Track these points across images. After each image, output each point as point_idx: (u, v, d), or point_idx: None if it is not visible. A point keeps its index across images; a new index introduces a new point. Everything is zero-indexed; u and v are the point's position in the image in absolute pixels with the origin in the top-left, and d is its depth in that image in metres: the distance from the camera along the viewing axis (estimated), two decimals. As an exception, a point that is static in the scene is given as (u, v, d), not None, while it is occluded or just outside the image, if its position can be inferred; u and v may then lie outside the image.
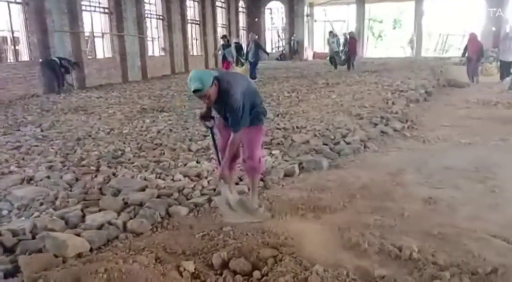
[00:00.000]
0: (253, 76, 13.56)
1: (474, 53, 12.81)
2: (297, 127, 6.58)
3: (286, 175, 4.45)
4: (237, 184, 3.98)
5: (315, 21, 33.67)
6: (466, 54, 13.17)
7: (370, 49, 34.98)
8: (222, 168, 3.32)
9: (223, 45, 14.90)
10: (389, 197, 3.78)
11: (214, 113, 3.40)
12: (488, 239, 2.90)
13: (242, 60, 17.06)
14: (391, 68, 17.64)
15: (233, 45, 15.16)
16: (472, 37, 13.33)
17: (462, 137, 6.04)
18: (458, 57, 17.58)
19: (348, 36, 18.17)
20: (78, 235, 3.01)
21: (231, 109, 3.10)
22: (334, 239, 2.94)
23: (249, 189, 3.67)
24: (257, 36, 16.18)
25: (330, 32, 19.70)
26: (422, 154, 5.26)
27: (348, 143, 5.61)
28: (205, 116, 3.41)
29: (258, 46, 14.29)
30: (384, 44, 38.53)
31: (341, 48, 18.15)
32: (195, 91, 2.97)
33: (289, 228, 3.14)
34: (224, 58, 14.68)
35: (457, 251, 2.69)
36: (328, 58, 18.79)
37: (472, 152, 5.30)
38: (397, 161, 4.96)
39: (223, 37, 15.82)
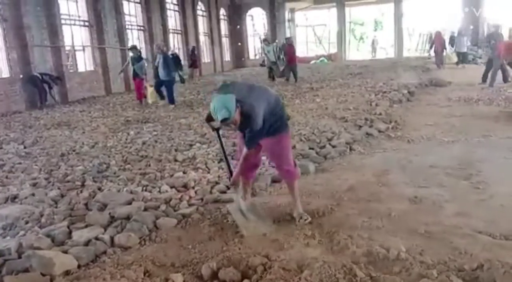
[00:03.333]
0: (170, 100, 10.77)
1: (440, 47, 17.39)
2: (283, 132, 6.59)
3: (273, 181, 4.45)
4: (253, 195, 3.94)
5: (297, 26, 33.96)
6: (433, 48, 17.66)
7: (353, 52, 35.38)
8: (235, 174, 3.35)
9: (132, 58, 11.59)
10: (376, 198, 3.80)
11: None
12: (474, 235, 2.93)
13: (181, 76, 15.41)
14: (374, 70, 17.82)
15: (158, 59, 11.12)
16: (438, 34, 17.83)
17: (445, 135, 6.13)
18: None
19: (285, 43, 16.10)
20: (65, 252, 2.96)
21: (251, 130, 3.10)
22: (323, 243, 2.95)
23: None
24: (165, 47, 13.08)
25: (264, 40, 17.23)
26: (407, 153, 5.32)
27: (334, 146, 5.64)
28: (211, 118, 3.33)
29: (168, 60, 10.85)
30: (366, 46, 38.95)
31: (281, 56, 15.96)
32: (223, 120, 2.92)
33: (278, 234, 3.15)
34: (136, 75, 11.57)
35: (444, 248, 2.72)
36: (267, 68, 16.41)
37: (456, 150, 5.37)
38: (382, 162, 5.01)
39: (132, 48, 12.00)
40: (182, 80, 16.87)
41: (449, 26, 30.07)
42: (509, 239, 2.91)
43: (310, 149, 5.58)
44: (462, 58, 17.77)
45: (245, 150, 3.25)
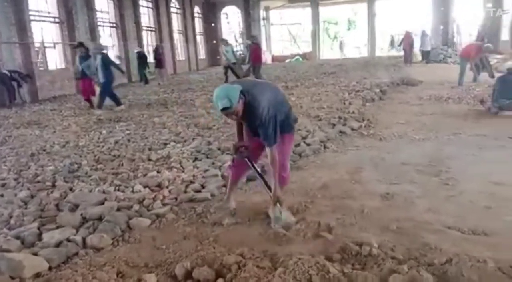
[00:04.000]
0: (99, 104, 10.19)
1: (408, 45, 18.84)
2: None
3: (248, 180, 4.43)
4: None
5: (272, 24, 34.03)
6: (402, 46, 19.19)
7: (327, 51, 35.73)
8: (276, 190, 3.21)
9: (80, 57, 10.48)
10: (349, 195, 3.86)
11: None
12: (443, 231, 3.02)
13: (146, 76, 15.46)
14: (347, 69, 18.05)
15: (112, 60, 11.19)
16: (407, 34, 19.13)
17: (416, 133, 6.27)
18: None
19: (251, 42, 15.29)
20: (35, 254, 2.89)
21: (261, 123, 3.01)
22: (297, 240, 2.97)
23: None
24: (105, 48, 11.87)
25: (222, 40, 16.96)
26: (379, 151, 5.41)
27: (308, 144, 5.68)
28: (240, 147, 3.31)
29: (107, 61, 10.22)
30: (343, 44, 39.35)
31: (239, 57, 15.95)
32: (223, 109, 2.88)
33: (253, 232, 3.16)
34: (84, 74, 10.36)
35: (414, 244, 2.78)
36: (223, 69, 15.78)
37: (426, 147, 5.50)
38: (355, 159, 5.08)
39: (79, 45, 10.85)
40: (146, 81, 16.37)
41: (420, 26, 30.84)
42: (477, 233, 3.00)
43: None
44: (426, 56, 19.43)
45: (268, 150, 3.09)
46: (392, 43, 29.98)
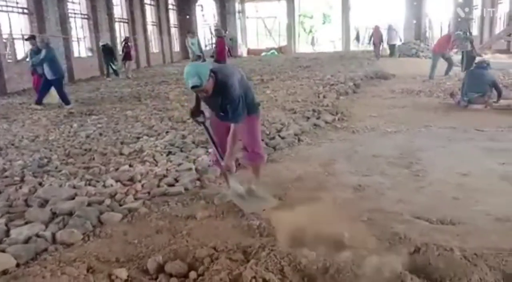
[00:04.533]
0: (64, 100, 9.53)
1: (377, 39, 19.39)
2: (232, 124, 6.60)
3: (222, 173, 4.44)
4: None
5: (247, 17, 33.87)
6: (372, 40, 19.61)
7: (302, 45, 35.87)
8: (227, 160, 3.40)
9: (31, 50, 9.85)
10: (322, 187, 3.90)
11: (204, 107, 3.41)
12: (412, 221, 3.09)
13: (114, 68, 15.16)
14: (322, 62, 18.18)
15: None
16: (376, 29, 19.80)
17: (388, 126, 6.38)
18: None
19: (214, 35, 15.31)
20: (2, 251, 2.81)
21: (231, 101, 3.11)
22: (270, 231, 2.99)
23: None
24: (48, 39, 10.45)
25: (188, 32, 16.54)
26: (352, 143, 5.49)
27: (283, 137, 5.71)
28: (195, 112, 3.41)
29: (53, 55, 9.36)
30: (315, 39, 39.58)
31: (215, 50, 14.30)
32: (193, 87, 2.97)
33: (227, 225, 3.16)
34: (35, 69, 9.73)
35: (385, 234, 2.83)
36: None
37: (398, 140, 5.61)
38: (329, 152, 5.14)
39: (30, 38, 10.41)
40: (116, 73, 15.86)
41: (389, 21, 31.30)
42: (445, 223, 3.09)
43: (259, 140, 5.61)
44: (393, 50, 20.21)
45: (232, 126, 3.28)
46: (357, 38, 30.46)
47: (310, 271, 2.27)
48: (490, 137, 5.54)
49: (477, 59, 11.26)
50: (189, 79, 2.94)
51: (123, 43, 17.44)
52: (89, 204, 3.61)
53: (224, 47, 13.89)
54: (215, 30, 15.51)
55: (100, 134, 6.45)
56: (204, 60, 14.49)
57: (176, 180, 4.13)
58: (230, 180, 3.51)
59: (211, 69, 3.02)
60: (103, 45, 16.54)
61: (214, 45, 14.75)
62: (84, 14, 18.46)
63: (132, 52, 17.22)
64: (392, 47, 20.20)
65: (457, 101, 7.92)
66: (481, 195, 3.58)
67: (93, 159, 5.14)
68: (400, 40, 21.75)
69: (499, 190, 3.72)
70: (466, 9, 18.10)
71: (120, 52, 17.48)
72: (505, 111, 7.25)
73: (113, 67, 15.59)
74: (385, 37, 20.19)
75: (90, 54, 18.69)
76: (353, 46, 31.06)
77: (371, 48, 20.65)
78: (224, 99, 3.15)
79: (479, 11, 24.72)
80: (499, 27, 21.32)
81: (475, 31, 25.12)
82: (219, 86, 3.08)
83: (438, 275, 2.21)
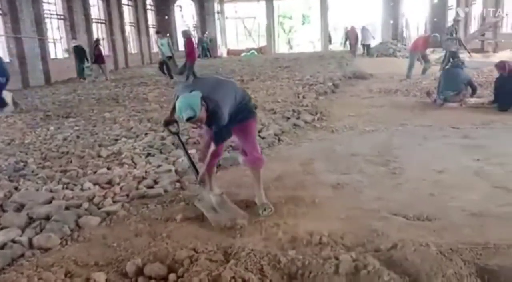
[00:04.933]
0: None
1: (353, 39, 20.81)
2: (212, 125, 6.58)
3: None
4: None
5: (227, 18, 33.86)
6: (348, 41, 21.16)
7: (282, 45, 36.04)
8: (202, 173, 3.38)
9: None
10: (301, 186, 3.93)
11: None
12: (390, 217, 3.14)
13: (88, 71, 14.68)
14: (302, 63, 18.28)
15: None
16: (352, 29, 21.23)
17: (367, 125, 6.46)
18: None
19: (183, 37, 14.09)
20: (-23, 258, 2.75)
21: (216, 125, 3.10)
22: (251, 232, 3.01)
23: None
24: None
25: (157, 32, 15.94)
26: (331, 143, 5.54)
27: (263, 138, 5.72)
28: (169, 122, 3.40)
29: None
30: (295, 40, 39.83)
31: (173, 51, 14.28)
32: (188, 119, 2.92)
33: (207, 227, 3.15)
34: None
35: (362, 231, 2.88)
36: (158, 64, 14.66)
37: (376, 138, 5.69)
38: (308, 152, 5.18)
39: None
40: (88, 75, 15.24)
41: (364, 21, 31.77)
42: (421, 219, 3.15)
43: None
44: (366, 49, 20.88)
45: (212, 146, 3.26)
46: (329, 39, 30.96)
47: (289, 269, 2.29)
48: (465, 135, 5.66)
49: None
50: (183, 113, 2.89)
51: (94, 45, 16.79)
52: (66, 208, 3.55)
53: (193, 48, 13.53)
54: (183, 31, 14.69)
55: (78, 137, 6.35)
56: (174, 62, 14.17)
57: (156, 182, 4.11)
58: (203, 191, 3.49)
59: (202, 97, 2.96)
60: (75, 47, 16.18)
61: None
62: (60, 15, 18.15)
63: (104, 55, 16.73)
64: (367, 47, 20.86)
65: (433, 99, 8.08)
66: (456, 191, 3.65)
67: (71, 162, 5.06)
68: (373, 38, 22.42)
69: (474, 186, 3.80)
70: (466, 9, 18.35)
71: (92, 55, 16.68)
72: (479, 109, 7.42)
73: (84, 69, 15.09)
74: (360, 37, 20.88)
75: (66, 55, 18.39)
76: (334, 47, 31.38)
77: (347, 48, 21.53)
78: (212, 122, 3.12)
79: (454, 12, 25.30)
80: (473, 27, 21.84)
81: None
82: (212, 114, 3.03)
83: (414, 270, 2.25)
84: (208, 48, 28.08)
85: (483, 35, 19.33)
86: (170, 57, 14.01)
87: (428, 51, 13.22)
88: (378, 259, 2.34)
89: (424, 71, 12.25)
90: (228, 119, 3.10)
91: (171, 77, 13.62)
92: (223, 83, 3.38)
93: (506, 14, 19.57)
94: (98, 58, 16.13)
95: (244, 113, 3.34)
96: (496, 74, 8.06)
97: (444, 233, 2.87)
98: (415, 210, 3.27)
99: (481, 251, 2.56)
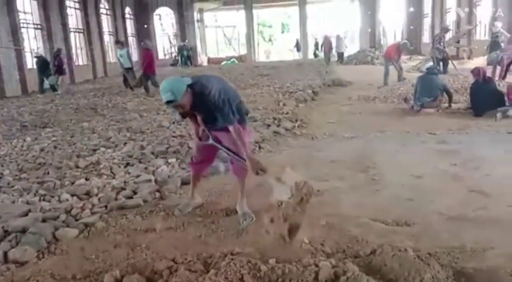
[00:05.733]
0: None
1: (327, 47, 21.49)
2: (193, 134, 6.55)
3: (183, 183, 4.39)
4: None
5: (206, 26, 33.93)
6: (323, 48, 21.83)
7: (262, 54, 36.26)
8: (251, 159, 3.19)
9: None
10: (282, 194, 3.93)
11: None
12: (369, 223, 3.17)
13: (48, 82, 13.74)
14: (282, 71, 18.40)
15: None
16: (326, 38, 22.10)
17: (346, 132, 6.53)
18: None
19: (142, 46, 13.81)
20: (-51, 273, 2.67)
21: (215, 107, 3.03)
22: (231, 240, 3.00)
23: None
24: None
25: (117, 42, 14.89)
26: (311, 150, 5.58)
27: (243, 145, 5.71)
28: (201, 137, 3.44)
29: None
30: (275, 48, 40.14)
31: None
32: (167, 102, 2.93)
33: (187, 237, 3.13)
34: None
35: (343, 237, 2.90)
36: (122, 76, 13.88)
37: (355, 145, 5.75)
38: (289, 159, 5.19)
39: None
40: (54, 88, 14.30)
41: (349, 29, 32.31)
42: (400, 225, 3.19)
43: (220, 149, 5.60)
44: (341, 57, 21.81)
45: (231, 128, 3.10)
46: (297, 47, 31.27)
47: (269, 278, 2.28)
48: (442, 140, 5.77)
49: (428, 65, 11.77)
50: (163, 94, 2.91)
51: (55, 55, 15.57)
52: (43, 220, 3.48)
53: (152, 60, 12.72)
54: (141, 41, 14.05)
55: (55, 147, 6.24)
56: (134, 75, 13.33)
57: (135, 192, 4.06)
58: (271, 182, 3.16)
59: (189, 84, 2.98)
60: (37, 57, 15.21)
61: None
62: (37, 24, 17.91)
63: (65, 66, 15.74)
64: (341, 54, 21.85)
65: (410, 106, 8.22)
66: (434, 196, 3.72)
67: (48, 173, 4.96)
68: (346, 47, 23.46)
69: (451, 190, 3.88)
70: (466, 9, 18.64)
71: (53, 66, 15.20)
72: (455, 114, 7.60)
73: (48, 82, 14.08)
74: (334, 45, 21.74)
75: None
76: (311, 54, 31.67)
77: (319, 56, 22.75)
78: (208, 108, 3.08)
79: (429, 20, 25.90)
80: (448, 35, 22.34)
81: (426, 38, 26.31)
82: (199, 97, 3.03)
83: (393, 275, 2.28)
84: (189, 56, 28.04)
85: (458, 42, 19.80)
86: (129, 69, 13.22)
87: (404, 58, 13.45)
88: (357, 265, 2.37)
89: (399, 78, 12.46)
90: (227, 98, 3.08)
91: (132, 89, 12.94)
92: (212, 76, 3.44)
93: (480, 22, 20.13)
94: (59, 70, 15.00)
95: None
96: (471, 80, 8.26)
97: (422, 237, 2.91)
98: (394, 215, 3.31)
99: (458, 254, 2.61)
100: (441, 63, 13.43)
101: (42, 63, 14.84)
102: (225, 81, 3.44)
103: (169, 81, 2.98)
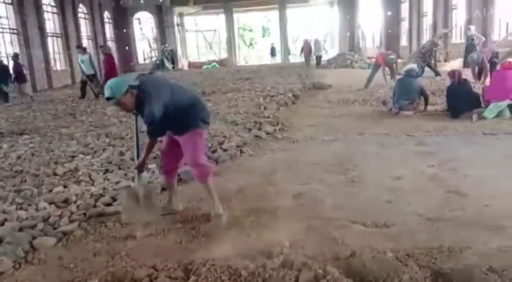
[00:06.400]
0: None
1: (307, 51, 21.98)
2: (173, 139, 6.52)
3: (163, 189, 4.36)
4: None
5: (187, 31, 33.86)
6: (303, 52, 22.20)
7: (243, 57, 36.35)
8: (140, 160, 3.50)
9: None
10: (263, 197, 3.95)
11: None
12: (349, 225, 3.20)
13: (6, 89, 12.98)
14: (263, 75, 18.44)
15: None
16: (306, 41, 22.76)
17: (326, 134, 6.58)
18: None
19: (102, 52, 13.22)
20: None
21: (146, 117, 3.20)
22: (212, 245, 2.99)
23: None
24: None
25: (78, 47, 14.19)
26: (292, 153, 5.61)
27: (225, 150, 5.71)
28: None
29: None
30: (256, 52, 40.27)
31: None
32: (107, 99, 3.18)
33: (168, 243, 3.11)
34: None
35: (323, 240, 2.92)
36: (80, 83, 13.23)
37: (335, 147, 5.81)
38: (270, 162, 5.21)
39: None
40: (6, 99, 13.32)
41: (329, 33, 32.66)
42: (379, 226, 3.22)
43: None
44: (318, 60, 22.23)
45: (149, 138, 3.37)
46: (272, 52, 31.43)
47: (250, 282, 2.28)
48: (420, 142, 5.87)
49: (407, 67, 11.96)
50: (105, 91, 3.14)
51: (13, 61, 14.53)
52: (20, 229, 3.41)
53: (114, 65, 12.31)
54: (101, 46, 13.46)
55: (33, 154, 6.11)
56: (98, 80, 12.75)
57: (114, 199, 4.00)
58: (136, 178, 3.61)
59: (132, 85, 3.15)
60: None
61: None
62: (13, 29, 17.58)
63: (26, 72, 14.89)
64: (319, 58, 22.26)
65: (389, 108, 8.34)
66: (412, 197, 3.77)
67: (25, 181, 4.86)
68: (326, 51, 24.39)
69: (429, 191, 3.94)
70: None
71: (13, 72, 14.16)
72: (433, 116, 7.74)
73: (5, 89, 13.19)
74: (313, 49, 22.15)
75: (24, 71, 17.76)
76: (292, 58, 31.86)
77: (302, 59, 22.78)
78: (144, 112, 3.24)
79: (407, 24, 26.37)
80: (425, 38, 22.77)
81: (404, 42, 26.76)
82: (140, 104, 3.20)
83: (372, 277, 2.31)
84: (173, 59, 27.86)
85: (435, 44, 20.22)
86: (93, 76, 12.61)
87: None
88: (337, 267, 2.38)
89: (395, 78, 12.70)
90: (166, 123, 3.25)
91: (97, 97, 12.27)
92: (166, 81, 3.59)
93: (455, 25, 20.59)
94: (18, 77, 13.99)
95: (187, 121, 3.37)
96: (448, 82, 8.42)
97: (401, 238, 2.95)
98: (373, 217, 3.35)
99: (436, 255, 2.66)
100: (425, 68, 13.63)
101: (2, 70, 13.72)
102: (180, 88, 3.53)
103: (113, 80, 3.24)
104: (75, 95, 13.97)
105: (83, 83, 12.80)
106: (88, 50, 13.69)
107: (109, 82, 3.20)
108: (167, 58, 27.59)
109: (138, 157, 3.58)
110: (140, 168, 3.58)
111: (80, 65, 12.73)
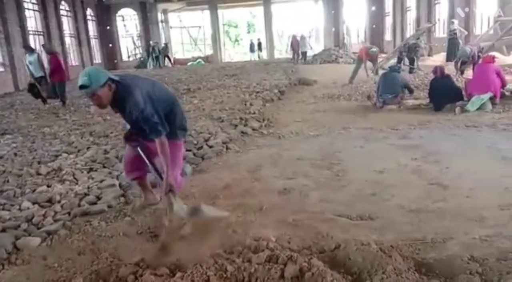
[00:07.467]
0: None
1: (296, 46, 22.05)
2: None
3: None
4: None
5: (171, 27, 33.61)
6: (291, 48, 22.54)
7: (228, 53, 36.23)
8: (169, 178, 2.97)
9: None
10: (249, 193, 3.96)
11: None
12: (334, 219, 3.23)
13: None
14: (249, 71, 18.42)
15: None
16: (293, 37, 22.73)
17: (311, 130, 6.62)
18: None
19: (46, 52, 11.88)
20: None
21: (143, 119, 2.88)
22: (198, 243, 2.98)
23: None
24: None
25: (25, 47, 12.68)
26: (278, 149, 5.63)
27: (211, 146, 5.71)
28: (129, 137, 3.27)
29: None
30: (241, 48, 40.14)
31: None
32: (81, 87, 2.78)
33: (153, 241, 3.10)
34: None
35: (309, 234, 2.94)
36: (28, 86, 11.35)
37: (320, 142, 5.84)
38: (256, 158, 5.22)
39: None
40: None
41: (314, 28, 32.73)
42: (364, 219, 3.27)
43: (187, 150, 5.55)
44: (304, 56, 22.21)
45: (158, 140, 2.94)
46: (251, 48, 31.31)
47: (236, 278, 2.29)
48: (403, 135, 5.94)
49: (391, 63, 12.09)
50: (80, 78, 2.78)
51: None
52: (3, 230, 3.37)
53: (60, 65, 11.12)
54: (42, 45, 11.79)
55: (15, 154, 6.02)
56: (47, 83, 11.00)
57: (98, 198, 3.98)
58: (174, 202, 3.00)
59: (111, 78, 2.85)
60: None
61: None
62: (-8, 27, 17.24)
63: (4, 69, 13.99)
64: (303, 54, 22.23)
65: (373, 103, 8.41)
66: (396, 190, 3.82)
67: (7, 181, 4.78)
68: (311, 48, 23.90)
69: (412, 184, 4.00)
70: (466, 9, 19.01)
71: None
72: (416, 110, 7.83)
73: None
74: (301, 45, 22.07)
75: (1, 69, 17.48)
76: (278, 54, 31.86)
77: (290, 55, 23.07)
78: (129, 115, 2.94)
79: (391, 19, 26.58)
80: (409, 33, 22.99)
81: (388, 36, 26.98)
82: (121, 100, 2.90)
83: (356, 269, 2.34)
84: (167, 56, 27.42)
85: (418, 39, 20.41)
86: (42, 78, 10.92)
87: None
88: (322, 260, 2.41)
89: (376, 71, 12.83)
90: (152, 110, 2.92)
91: (45, 101, 11.00)
92: (145, 79, 3.27)
93: (438, 20, 20.81)
94: None
95: (171, 131, 3.09)
96: (431, 76, 8.53)
97: (385, 230, 2.99)
98: (358, 210, 3.39)
99: (419, 246, 2.71)
100: (407, 62, 13.76)
101: None
102: (160, 87, 3.25)
103: (91, 68, 2.95)
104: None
105: (31, 86, 11.00)
106: (36, 50, 12.01)
107: (88, 69, 2.89)
108: (165, 55, 26.98)
109: (161, 177, 3.07)
110: (173, 189, 3.02)
111: (28, 66, 11.16)
